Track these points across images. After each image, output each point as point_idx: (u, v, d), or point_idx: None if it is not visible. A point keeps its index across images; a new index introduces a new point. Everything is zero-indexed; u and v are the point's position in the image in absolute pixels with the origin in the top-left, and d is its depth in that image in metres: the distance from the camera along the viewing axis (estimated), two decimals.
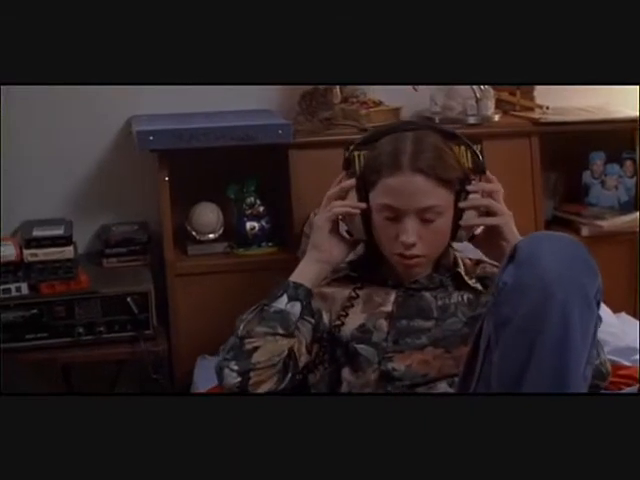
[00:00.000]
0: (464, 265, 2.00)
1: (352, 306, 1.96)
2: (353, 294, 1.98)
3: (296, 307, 1.91)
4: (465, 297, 1.97)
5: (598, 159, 2.77)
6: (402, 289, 1.96)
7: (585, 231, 2.69)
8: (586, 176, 2.79)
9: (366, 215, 1.90)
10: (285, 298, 1.90)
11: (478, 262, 2.04)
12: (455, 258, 1.99)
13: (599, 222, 2.69)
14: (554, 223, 2.77)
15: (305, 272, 1.95)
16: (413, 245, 1.86)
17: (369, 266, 2.01)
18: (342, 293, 2.00)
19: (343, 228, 1.94)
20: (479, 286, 1.96)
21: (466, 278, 1.97)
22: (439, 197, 1.87)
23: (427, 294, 1.95)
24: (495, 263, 1.96)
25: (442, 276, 1.97)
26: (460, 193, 1.89)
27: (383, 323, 1.93)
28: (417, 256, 1.89)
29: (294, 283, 1.92)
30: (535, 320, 1.53)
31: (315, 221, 1.97)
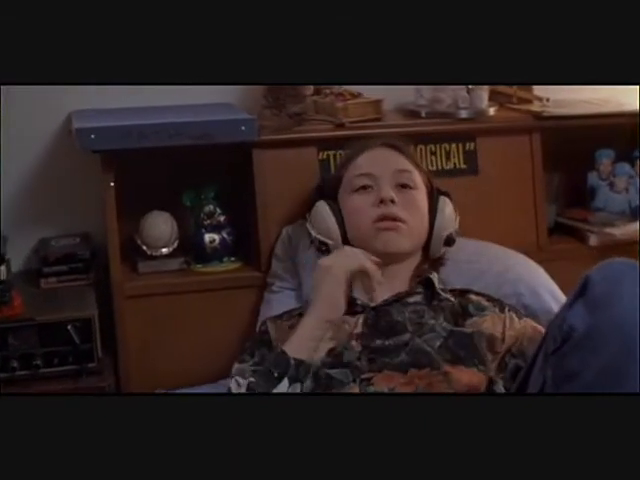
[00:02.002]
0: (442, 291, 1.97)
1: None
2: None
3: (297, 387, 1.79)
4: (441, 310, 1.91)
5: (606, 158, 2.61)
6: (371, 309, 1.90)
7: (594, 240, 2.52)
8: (592, 177, 2.62)
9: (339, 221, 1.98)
10: (286, 382, 1.78)
11: (463, 293, 1.99)
12: (429, 277, 1.97)
13: (610, 230, 2.53)
14: (557, 231, 2.59)
15: (307, 338, 1.85)
16: (392, 201, 1.93)
17: None
18: None
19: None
20: (451, 297, 1.95)
21: (439, 288, 1.95)
22: (411, 167, 2.01)
23: (399, 311, 1.90)
24: (484, 293, 1.95)
25: (414, 292, 1.94)
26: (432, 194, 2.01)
27: (354, 343, 1.86)
28: (397, 218, 1.93)
29: (295, 362, 1.79)
30: (610, 379, 1.36)
31: (331, 271, 1.87)
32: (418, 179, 2.03)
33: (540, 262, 2.25)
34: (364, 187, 1.99)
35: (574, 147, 2.56)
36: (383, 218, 1.95)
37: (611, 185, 2.60)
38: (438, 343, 1.85)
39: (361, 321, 1.90)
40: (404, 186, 2.00)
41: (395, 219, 1.95)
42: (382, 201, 1.96)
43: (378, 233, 1.96)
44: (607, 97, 2.66)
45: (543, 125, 2.48)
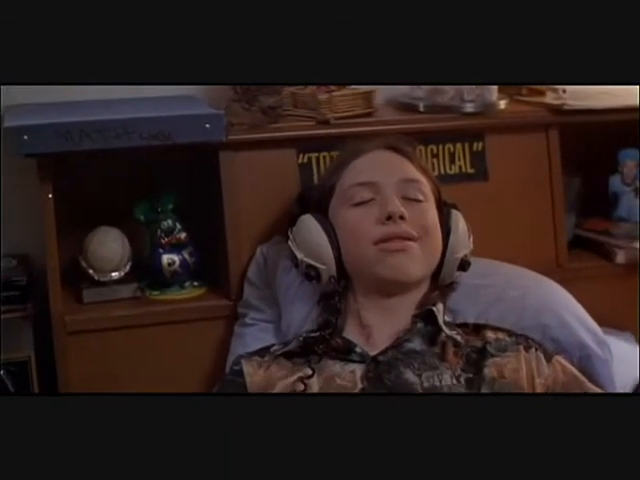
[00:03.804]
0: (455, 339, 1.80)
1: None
2: (301, 382, 1.75)
3: None
4: (455, 356, 1.76)
5: (630, 159, 2.45)
6: (372, 360, 1.73)
7: (621, 257, 2.36)
8: (614, 181, 2.46)
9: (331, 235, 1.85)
10: None
11: (478, 328, 1.84)
12: (431, 310, 1.80)
13: (637, 244, 2.37)
14: (576, 245, 2.45)
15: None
16: (402, 218, 1.78)
17: (327, 329, 1.81)
18: (285, 381, 1.78)
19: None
20: (459, 338, 1.78)
21: (443, 324, 1.77)
22: (419, 176, 1.86)
23: (406, 363, 1.74)
24: (503, 327, 1.84)
25: (415, 330, 1.78)
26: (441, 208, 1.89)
27: None
28: (407, 237, 1.79)
29: None
30: None
31: None
32: (427, 190, 1.88)
33: (559, 283, 2.11)
34: (362, 202, 1.84)
35: (592, 146, 2.47)
36: (390, 238, 1.79)
37: (637, 191, 2.46)
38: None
39: (359, 375, 1.74)
40: (412, 199, 1.84)
41: (404, 238, 1.80)
42: (390, 217, 1.79)
43: (384, 256, 1.79)
44: (626, 87, 2.49)
45: (562, 121, 2.34)
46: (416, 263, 1.81)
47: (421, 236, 1.81)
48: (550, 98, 2.41)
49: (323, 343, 1.76)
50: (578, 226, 2.50)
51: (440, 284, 1.89)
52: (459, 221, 1.90)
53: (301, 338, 1.80)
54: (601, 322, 1.98)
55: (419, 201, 1.84)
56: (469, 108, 2.30)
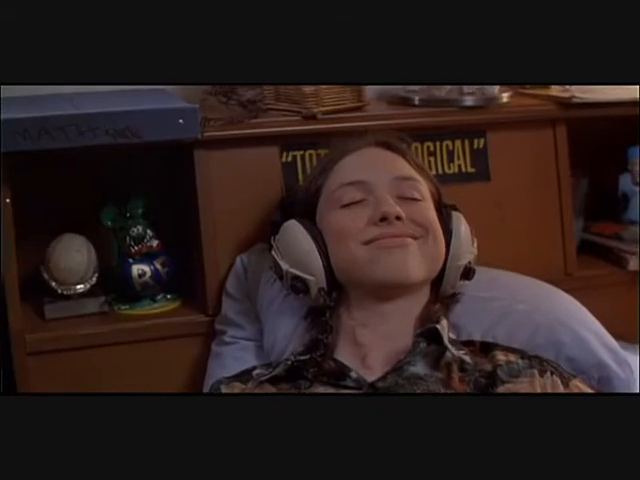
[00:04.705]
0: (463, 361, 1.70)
1: None
2: None
3: None
4: (461, 382, 1.68)
5: None
6: (370, 386, 1.65)
7: (634, 264, 2.30)
8: (624, 181, 2.43)
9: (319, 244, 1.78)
10: None
11: (485, 348, 1.75)
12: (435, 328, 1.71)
13: None
14: (583, 250, 2.39)
15: None
16: (399, 218, 1.71)
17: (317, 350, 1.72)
18: None
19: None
20: (469, 359, 1.68)
21: (449, 344, 1.67)
22: (415, 174, 1.81)
23: (408, 391, 1.67)
24: (514, 348, 1.75)
25: (417, 352, 1.68)
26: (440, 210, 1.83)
27: None
28: (403, 235, 1.71)
29: None
30: None
31: None
32: (424, 189, 1.81)
33: (567, 293, 2.05)
34: (352, 203, 1.77)
35: (599, 143, 2.41)
36: (384, 236, 1.72)
37: None
38: None
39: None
40: (408, 198, 1.77)
41: (401, 236, 1.73)
42: (384, 218, 1.71)
43: (379, 255, 1.71)
44: None
45: (570, 115, 2.28)
46: (416, 261, 1.73)
47: (422, 235, 1.74)
48: (556, 91, 2.36)
49: (313, 367, 1.68)
50: (585, 230, 2.46)
51: (441, 295, 1.81)
52: (461, 224, 1.83)
53: (289, 362, 1.70)
54: (614, 336, 1.90)
55: (416, 200, 1.78)
56: (469, 102, 2.23)
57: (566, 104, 2.24)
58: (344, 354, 1.68)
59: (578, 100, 2.23)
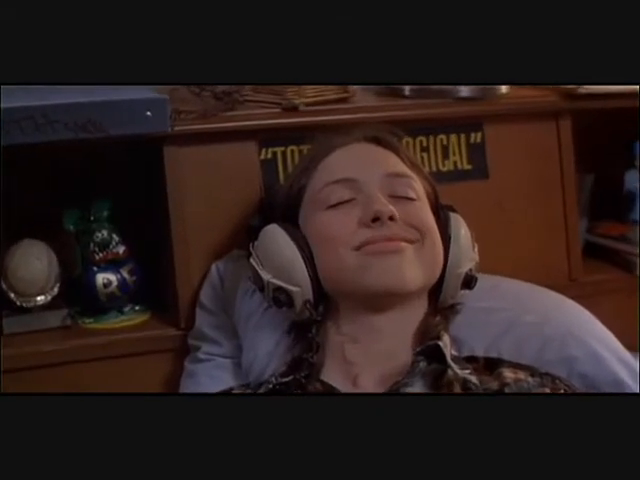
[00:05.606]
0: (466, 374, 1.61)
1: None
2: None
3: None
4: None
5: None
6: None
7: None
8: (631, 178, 2.36)
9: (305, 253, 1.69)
10: None
11: (491, 365, 1.68)
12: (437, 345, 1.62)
13: None
14: (588, 253, 2.30)
15: None
16: (392, 218, 1.62)
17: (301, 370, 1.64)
18: None
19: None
20: (474, 378, 1.59)
21: (452, 362, 1.58)
22: (407, 170, 1.74)
23: None
24: (522, 364, 1.67)
25: (416, 371, 1.60)
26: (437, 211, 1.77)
27: None
28: (397, 238, 1.63)
29: None
30: None
31: None
32: (419, 188, 1.72)
33: (573, 299, 1.97)
34: (340, 202, 1.68)
35: (603, 136, 2.34)
36: (377, 240, 1.63)
37: None
38: None
39: None
40: (402, 197, 1.68)
41: (393, 239, 1.64)
42: (376, 219, 1.61)
43: (371, 261, 1.62)
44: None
45: (575, 107, 2.19)
46: (413, 268, 1.63)
47: (417, 239, 1.65)
48: None
49: (297, 389, 1.58)
50: (589, 231, 2.38)
51: (440, 306, 1.71)
52: (460, 227, 1.74)
53: (270, 385, 1.60)
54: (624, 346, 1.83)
55: (411, 199, 1.68)
56: (465, 92, 2.14)
57: (570, 95, 2.16)
58: (332, 374, 1.58)
59: (585, 90, 2.15)
